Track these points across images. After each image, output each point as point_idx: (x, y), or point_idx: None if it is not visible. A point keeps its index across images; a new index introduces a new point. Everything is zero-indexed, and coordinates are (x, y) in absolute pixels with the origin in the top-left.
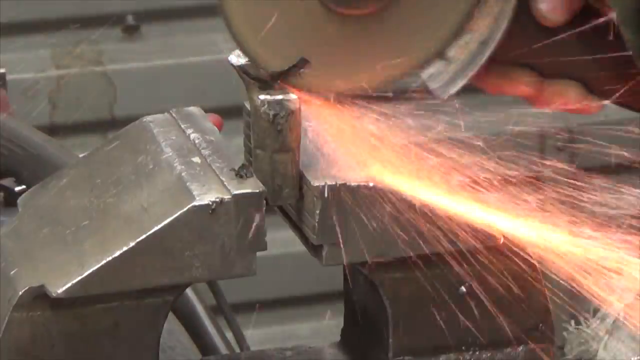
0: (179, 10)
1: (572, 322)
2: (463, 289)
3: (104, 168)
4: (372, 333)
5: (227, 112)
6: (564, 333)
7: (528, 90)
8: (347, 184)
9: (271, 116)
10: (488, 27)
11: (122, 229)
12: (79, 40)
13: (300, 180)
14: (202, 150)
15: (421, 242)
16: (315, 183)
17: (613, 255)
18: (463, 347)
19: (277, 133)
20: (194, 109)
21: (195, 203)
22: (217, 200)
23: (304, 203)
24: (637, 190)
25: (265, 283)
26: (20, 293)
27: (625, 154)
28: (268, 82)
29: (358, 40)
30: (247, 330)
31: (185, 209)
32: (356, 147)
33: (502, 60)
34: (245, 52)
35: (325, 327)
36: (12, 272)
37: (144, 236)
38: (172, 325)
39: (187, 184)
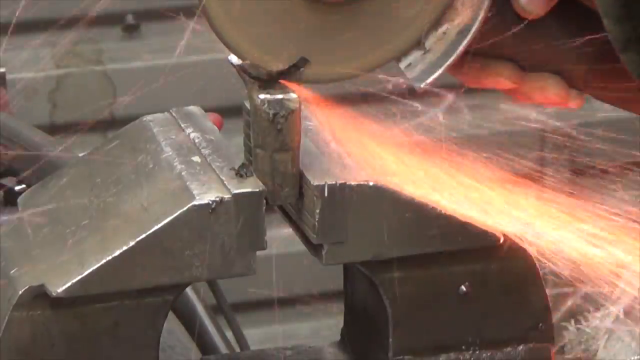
0: (179, 9)
1: (572, 321)
2: (463, 288)
3: (104, 167)
4: (372, 332)
5: (227, 112)
6: (564, 332)
7: (508, 83)
8: (347, 183)
9: (271, 115)
10: (467, 18)
11: (122, 228)
12: (78, 39)
13: (300, 179)
14: (202, 150)
15: (421, 241)
16: (316, 182)
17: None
18: (463, 347)
19: (277, 132)
20: (194, 108)
21: (195, 202)
22: (217, 199)
23: (304, 202)
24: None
25: (265, 282)
26: (20, 292)
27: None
28: (268, 82)
29: (337, 29)
30: (247, 330)
31: (185, 208)
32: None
33: (482, 53)
34: (226, 44)
35: (325, 326)
36: (12, 272)
37: (143, 235)
38: (172, 325)
39: (187, 183)
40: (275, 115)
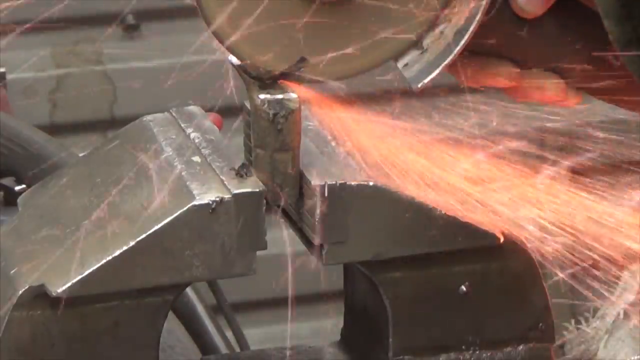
0: (179, 9)
1: (572, 321)
2: (463, 288)
3: (104, 167)
4: (372, 332)
5: (227, 112)
6: (564, 332)
7: (506, 82)
8: (348, 183)
9: (271, 115)
10: (464, 17)
11: (122, 228)
12: (78, 39)
13: (301, 179)
14: (202, 150)
15: (421, 241)
16: (316, 182)
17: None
18: (463, 347)
19: (277, 132)
20: (194, 108)
21: (195, 202)
22: (217, 199)
23: (304, 202)
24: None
25: (265, 282)
26: (20, 292)
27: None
28: (268, 82)
29: (334, 29)
30: (247, 330)
31: (185, 208)
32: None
33: (480, 52)
34: (222, 42)
35: (325, 326)
36: (12, 272)
37: (143, 235)
38: (172, 325)
39: (187, 183)
40: (275, 115)
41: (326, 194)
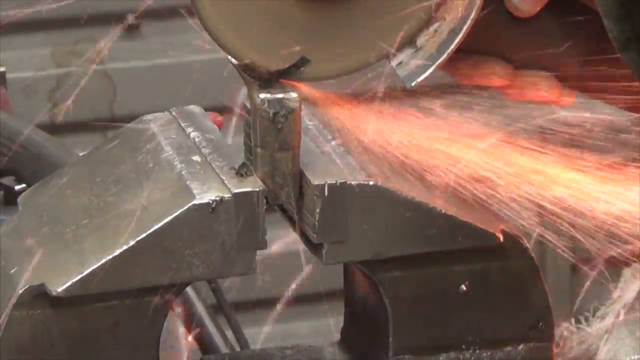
0: (179, 9)
1: (572, 321)
2: (463, 287)
3: (104, 167)
4: (372, 332)
5: (228, 111)
6: (564, 331)
7: (500, 81)
8: (348, 182)
9: (271, 115)
10: (458, 16)
11: (122, 227)
12: (78, 38)
13: (301, 178)
14: (202, 149)
15: (421, 241)
16: (316, 182)
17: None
18: (463, 346)
19: (277, 132)
20: (194, 108)
21: (196, 202)
22: (217, 198)
23: (304, 202)
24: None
25: (265, 282)
26: (20, 292)
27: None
28: (267, 81)
29: (329, 28)
30: (247, 329)
31: (185, 207)
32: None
33: (474, 51)
34: (219, 44)
35: (325, 325)
36: (12, 271)
37: (144, 235)
38: (172, 324)
39: (187, 182)
40: (275, 114)
41: (326, 193)
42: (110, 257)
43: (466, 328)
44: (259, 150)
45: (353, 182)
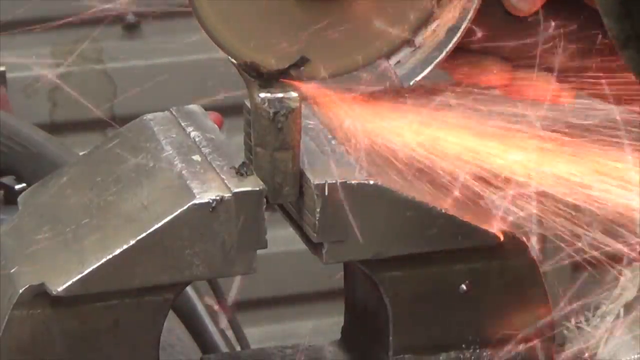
0: (179, 8)
1: (573, 320)
2: (463, 287)
3: (104, 166)
4: (373, 331)
5: (228, 110)
6: (564, 331)
7: (498, 79)
8: (348, 182)
9: (271, 114)
10: (456, 15)
11: (123, 227)
12: (79, 38)
13: (301, 178)
14: (203, 149)
15: (422, 240)
16: (316, 181)
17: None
18: (463, 345)
19: (277, 131)
20: (194, 107)
21: (196, 201)
22: (218, 198)
23: (304, 201)
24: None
25: (266, 281)
26: (21, 291)
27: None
28: (267, 80)
29: (327, 27)
30: (248, 329)
31: (185, 207)
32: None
33: (472, 50)
34: (216, 42)
35: (325, 325)
36: (12, 270)
37: (144, 234)
38: (172, 324)
39: (188, 182)
40: (275, 114)
41: (326, 193)
42: (110, 256)
43: (466, 328)
44: (259, 149)
45: (353, 182)
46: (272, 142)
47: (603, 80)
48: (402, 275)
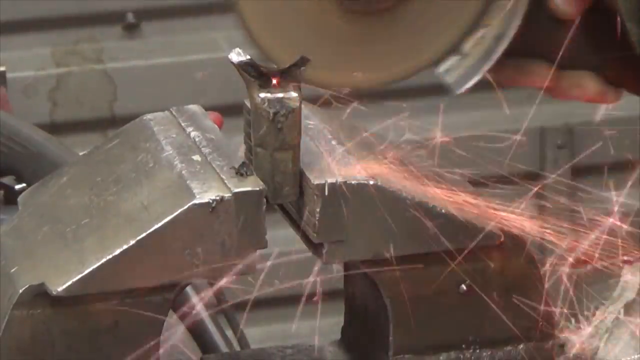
0: (179, 8)
1: (572, 320)
2: (463, 287)
3: (104, 166)
4: (373, 331)
5: (228, 110)
6: (564, 332)
7: (544, 82)
8: (348, 181)
9: (271, 114)
10: (503, 22)
11: (123, 227)
12: (79, 38)
13: (301, 178)
14: (203, 149)
15: (422, 240)
16: (316, 181)
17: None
18: (463, 346)
19: (277, 131)
20: (194, 107)
21: (196, 201)
22: (218, 198)
23: (304, 201)
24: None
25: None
26: (21, 291)
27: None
28: (268, 80)
29: (372, 37)
30: (248, 329)
31: (185, 207)
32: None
33: (518, 53)
34: (260, 49)
35: (325, 325)
36: (12, 270)
37: (144, 234)
38: (172, 324)
39: (188, 182)
40: (275, 114)
41: (326, 193)
42: (110, 256)
43: (466, 328)
44: (259, 149)
45: (353, 182)
46: (272, 142)
47: None
48: (402, 275)
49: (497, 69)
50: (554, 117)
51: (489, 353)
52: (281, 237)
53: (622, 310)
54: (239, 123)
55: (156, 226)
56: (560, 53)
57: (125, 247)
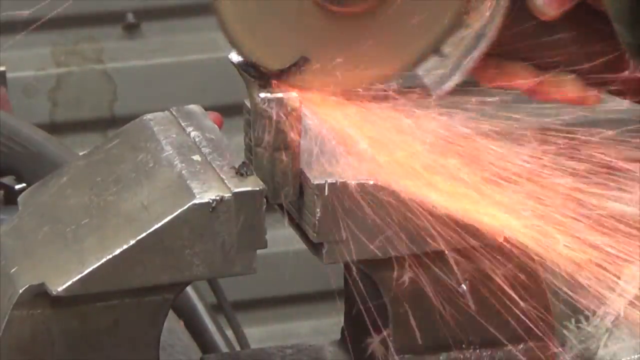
0: (179, 8)
1: (573, 320)
2: (464, 286)
3: (104, 166)
4: (373, 331)
5: (228, 110)
6: (564, 331)
7: (522, 82)
8: (348, 181)
9: (272, 114)
10: (483, 22)
11: (123, 227)
12: (79, 38)
13: (301, 178)
14: (203, 148)
15: (422, 240)
16: (316, 181)
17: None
18: (463, 345)
19: (277, 131)
20: (194, 107)
21: (196, 201)
22: (218, 198)
23: (304, 201)
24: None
25: (266, 281)
26: (21, 291)
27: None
28: (268, 80)
29: (353, 38)
30: (248, 328)
31: (185, 207)
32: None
33: (499, 54)
34: (239, 51)
35: (325, 325)
36: (12, 270)
37: (144, 234)
38: (172, 324)
39: (188, 182)
40: (275, 114)
41: (326, 193)
42: (110, 256)
43: (466, 328)
44: (259, 149)
45: (353, 182)
46: (272, 142)
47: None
48: (401, 275)
49: (480, 69)
50: None
51: (489, 353)
52: (281, 237)
53: (622, 310)
54: (239, 123)
55: (156, 226)
56: (541, 54)
57: (125, 247)
